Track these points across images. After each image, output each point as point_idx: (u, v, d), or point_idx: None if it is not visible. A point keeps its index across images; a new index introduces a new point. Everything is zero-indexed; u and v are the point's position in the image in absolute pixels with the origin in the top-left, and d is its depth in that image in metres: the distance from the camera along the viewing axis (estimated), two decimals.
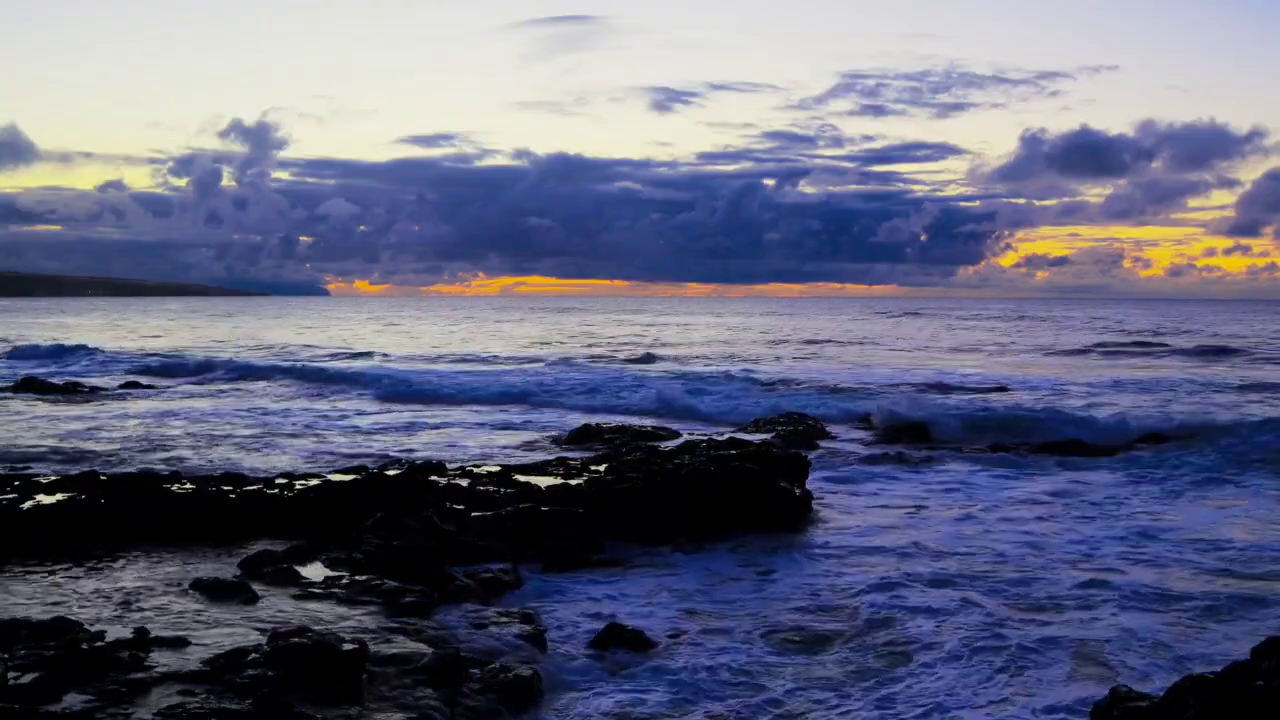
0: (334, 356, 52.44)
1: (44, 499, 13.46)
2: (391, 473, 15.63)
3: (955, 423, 24.51)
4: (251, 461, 20.23)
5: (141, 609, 9.79)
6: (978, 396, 31.92)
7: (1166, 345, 61.62)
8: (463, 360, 51.15)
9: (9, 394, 32.69)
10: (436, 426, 26.27)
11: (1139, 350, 59.05)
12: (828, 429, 24.88)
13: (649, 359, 51.38)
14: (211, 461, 20.05)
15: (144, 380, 38.85)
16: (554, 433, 24.19)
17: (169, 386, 37.20)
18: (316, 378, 39.24)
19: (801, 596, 11.78)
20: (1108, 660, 9.43)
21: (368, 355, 53.69)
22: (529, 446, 22.61)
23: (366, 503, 13.50)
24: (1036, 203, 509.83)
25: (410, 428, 25.92)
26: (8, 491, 13.83)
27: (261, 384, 38.05)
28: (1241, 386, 35.74)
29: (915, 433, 23.88)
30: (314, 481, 15.25)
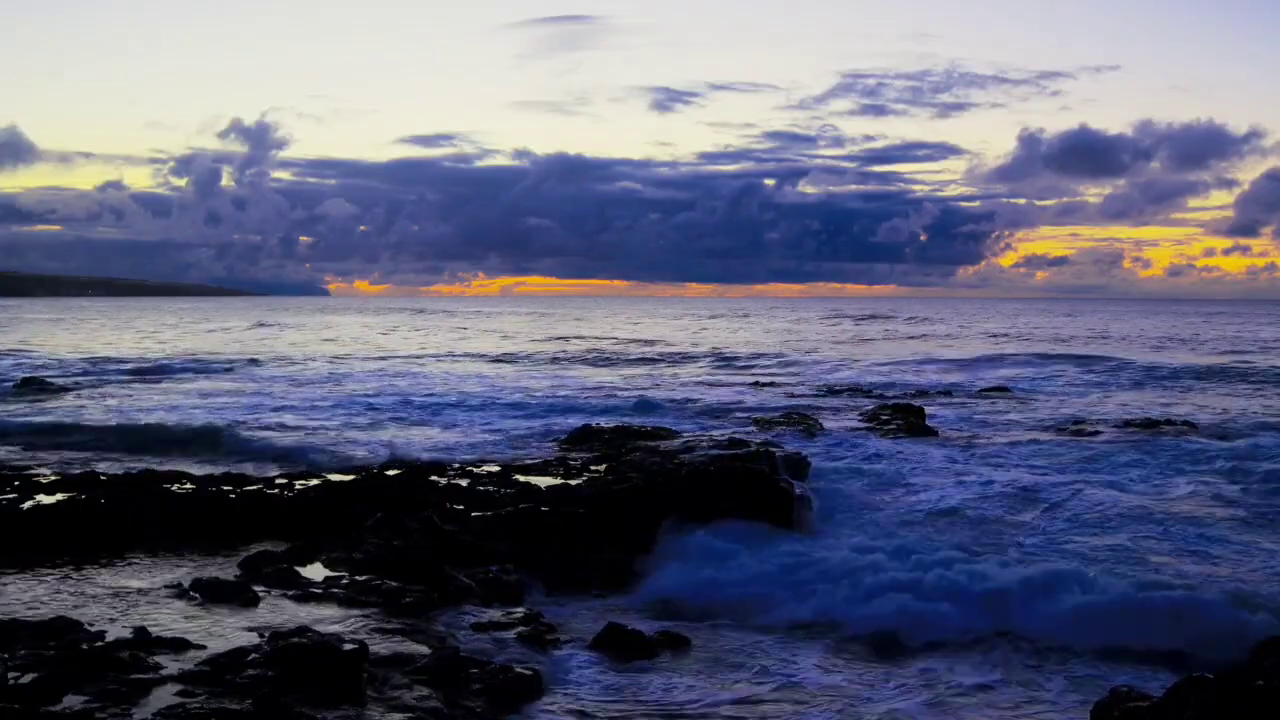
0: None
1: (44, 499, 13.47)
2: (391, 473, 15.64)
3: None
4: None
5: (141, 609, 9.80)
6: None
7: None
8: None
9: None
10: None
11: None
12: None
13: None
14: None
15: None
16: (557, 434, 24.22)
17: None
18: None
19: (802, 596, 11.77)
20: None
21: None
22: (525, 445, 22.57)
23: (366, 503, 13.50)
24: (1036, 203, 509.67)
25: None
26: (8, 491, 13.84)
27: None
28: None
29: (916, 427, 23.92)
30: (314, 482, 15.26)
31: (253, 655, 8.02)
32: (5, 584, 10.76)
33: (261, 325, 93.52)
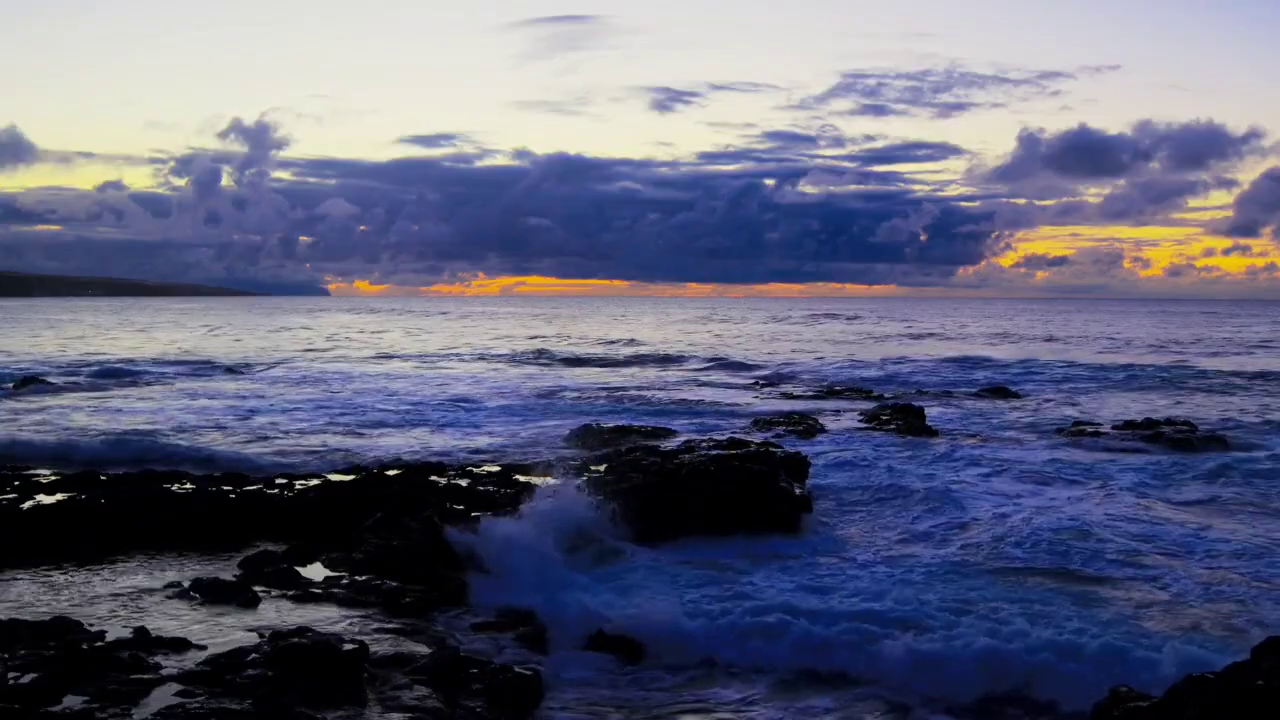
0: None
1: (44, 499, 13.46)
2: (391, 473, 15.63)
3: None
4: None
5: (141, 609, 9.80)
6: None
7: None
8: None
9: None
10: None
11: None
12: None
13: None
14: None
15: None
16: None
17: None
18: None
19: (794, 602, 11.76)
20: None
21: None
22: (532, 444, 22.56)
23: (366, 503, 13.49)
24: (1036, 202, 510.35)
25: None
26: (8, 491, 13.83)
27: None
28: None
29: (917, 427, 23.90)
30: (314, 482, 15.25)
31: (253, 655, 8.01)
32: (5, 584, 10.77)
33: (260, 326, 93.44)
